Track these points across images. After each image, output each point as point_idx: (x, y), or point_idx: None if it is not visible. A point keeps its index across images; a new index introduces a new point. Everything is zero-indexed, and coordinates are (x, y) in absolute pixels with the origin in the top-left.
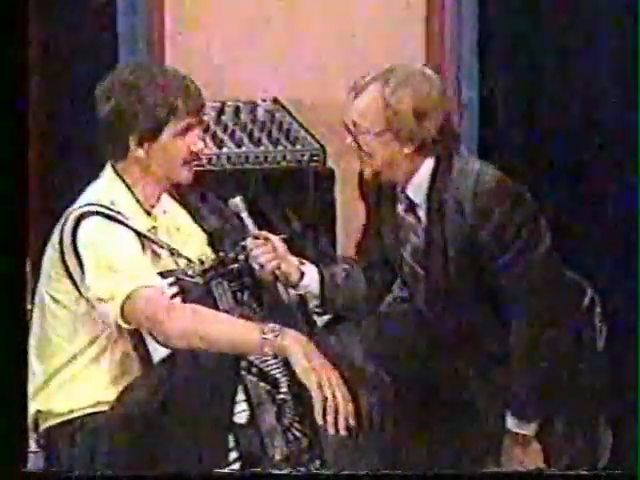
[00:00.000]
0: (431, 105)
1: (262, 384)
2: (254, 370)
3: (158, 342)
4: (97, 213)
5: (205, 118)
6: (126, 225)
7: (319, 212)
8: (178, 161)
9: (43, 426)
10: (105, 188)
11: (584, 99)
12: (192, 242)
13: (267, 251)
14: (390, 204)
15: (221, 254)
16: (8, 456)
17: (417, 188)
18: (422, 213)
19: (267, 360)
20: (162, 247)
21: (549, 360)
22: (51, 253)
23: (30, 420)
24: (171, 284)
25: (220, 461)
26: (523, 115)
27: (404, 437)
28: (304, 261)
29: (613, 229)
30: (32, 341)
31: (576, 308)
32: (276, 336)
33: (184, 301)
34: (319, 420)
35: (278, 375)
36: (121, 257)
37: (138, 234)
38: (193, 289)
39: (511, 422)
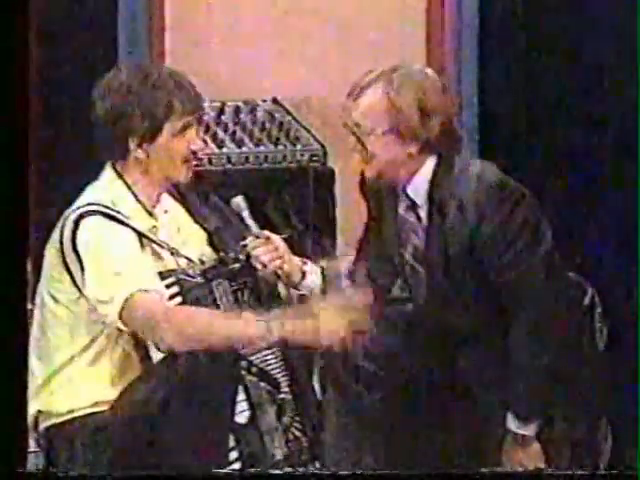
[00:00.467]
0: (435, 104)
1: (262, 384)
2: (254, 370)
3: (159, 350)
4: (97, 213)
5: (204, 117)
6: (126, 225)
7: (319, 212)
8: (178, 160)
9: (43, 426)
10: (105, 188)
11: (585, 99)
12: (193, 242)
13: (269, 251)
14: (391, 204)
15: (222, 254)
16: (8, 456)
17: (418, 188)
18: (423, 213)
19: (267, 360)
20: (162, 247)
21: (549, 360)
22: (51, 253)
23: (30, 420)
24: (171, 284)
25: (220, 461)
26: (523, 115)
27: (404, 437)
28: (306, 261)
29: (613, 229)
30: (32, 341)
31: (576, 308)
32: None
33: (184, 301)
34: None
35: (278, 375)
36: (121, 257)
37: (138, 234)
38: (193, 289)
39: (511, 422)
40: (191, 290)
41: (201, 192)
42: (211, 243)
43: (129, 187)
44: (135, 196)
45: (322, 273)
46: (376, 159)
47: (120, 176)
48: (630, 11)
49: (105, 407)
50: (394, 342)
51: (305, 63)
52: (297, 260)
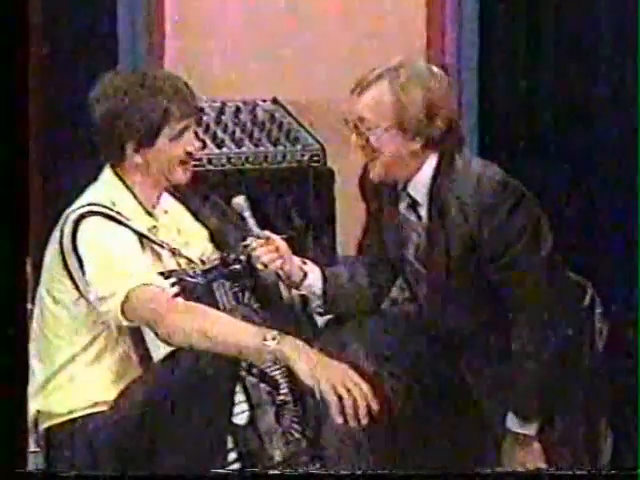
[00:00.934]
0: (440, 102)
1: (262, 385)
2: (254, 371)
3: (160, 339)
4: (97, 213)
5: (204, 117)
6: (126, 225)
7: (319, 212)
8: (175, 163)
9: (43, 426)
10: (105, 189)
11: (585, 98)
12: (193, 242)
13: (270, 251)
14: (391, 202)
15: (223, 254)
16: (8, 456)
17: (419, 186)
18: (423, 211)
19: None
20: (163, 247)
21: (550, 360)
22: (51, 253)
23: (30, 420)
24: (172, 284)
25: (219, 461)
26: (523, 114)
27: (405, 437)
28: (306, 261)
29: (613, 229)
30: (32, 341)
31: (576, 308)
32: (278, 343)
33: (186, 301)
34: (338, 420)
35: (278, 376)
36: (122, 257)
37: (139, 234)
38: (194, 289)
39: (512, 422)
40: (192, 290)
41: (201, 192)
42: (212, 243)
43: (128, 188)
44: (135, 197)
45: (323, 274)
46: (380, 154)
47: (119, 177)
48: (631, 10)
49: (105, 407)
50: (394, 342)
51: (305, 63)
52: (298, 260)
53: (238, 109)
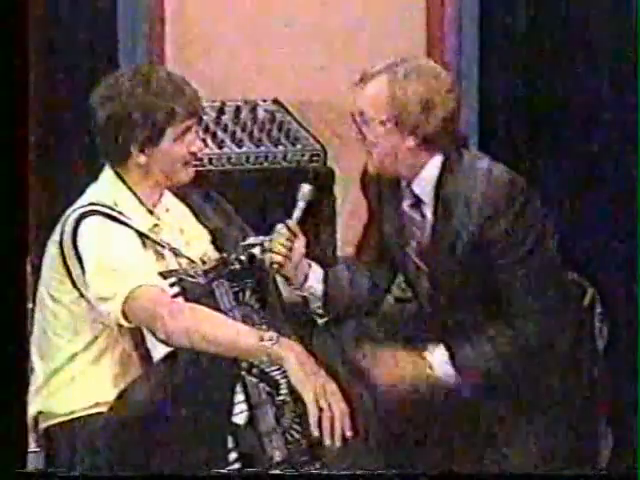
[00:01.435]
0: (437, 99)
1: (262, 385)
2: (254, 371)
3: (159, 340)
4: (98, 213)
5: (204, 117)
6: (128, 225)
7: (319, 212)
8: (178, 163)
9: (43, 426)
10: (106, 188)
11: (585, 96)
12: (194, 242)
13: (283, 244)
14: (393, 200)
15: (223, 254)
16: (8, 456)
17: (424, 184)
18: (428, 210)
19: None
20: (164, 247)
21: (550, 360)
22: (51, 253)
23: (30, 420)
24: (173, 284)
25: (219, 461)
26: (523, 114)
27: (404, 437)
28: (311, 263)
29: (613, 229)
30: (32, 341)
31: (576, 308)
32: (274, 344)
33: (186, 301)
34: (314, 431)
35: (278, 376)
36: (122, 257)
37: (140, 234)
38: (195, 289)
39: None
40: (192, 290)
41: (202, 192)
42: (213, 243)
43: (129, 187)
44: (136, 196)
45: (324, 276)
46: (375, 149)
47: (120, 177)
48: (631, 9)
49: (105, 408)
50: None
51: (305, 63)
52: (305, 263)
53: (238, 109)
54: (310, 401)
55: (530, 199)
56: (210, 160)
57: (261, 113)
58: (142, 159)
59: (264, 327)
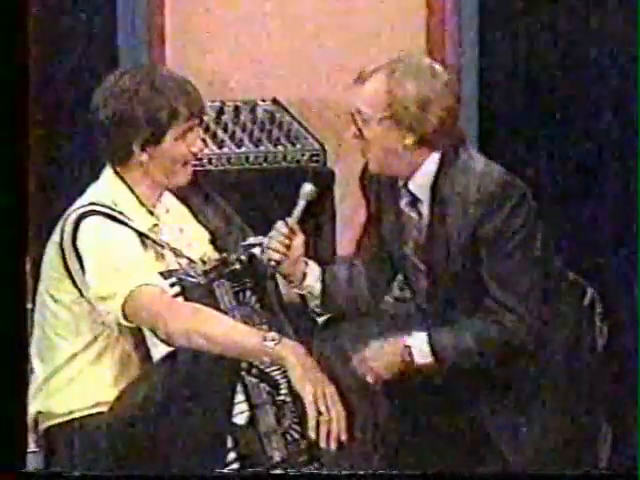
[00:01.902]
0: (435, 97)
1: (262, 385)
2: (254, 371)
3: (159, 339)
4: (98, 213)
5: (205, 118)
6: (128, 225)
7: (319, 212)
8: (179, 163)
9: (43, 426)
10: (106, 188)
11: (585, 96)
12: (194, 242)
13: (282, 242)
14: (391, 199)
15: (223, 254)
16: (8, 456)
17: (420, 183)
18: (424, 208)
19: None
20: (164, 247)
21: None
22: (51, 253)
23: (30, 420)
24: (173, 284)
25: (219, 461)
26: (523, 113)
27: (404, 437)
28: (308, 261)
29: (613, 229)
30: (32, 341)
31: (576, 308)
32: (276, 345)
33: (186, 301)
34: (311, 434)
35: (278, 377)
36: (122, 256)
37: (140, 234)
38: (195, 289)
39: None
40: (192, 291)
41: (201, 192)
42: (213, 243)
43: (129, 187)
44: (136, 196)
45: (322, 274)
46: (373, 147)
47: (120, 177)
48: (631, 9)
49: (105, 408)
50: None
51: (305, 63)
52: (303, 261)
53: (238, 109)
54: (309, 403)
55: (523, 199)
56: (210, 160)
57: (261, 113)
58: (144, 157)
59: (264, 327)
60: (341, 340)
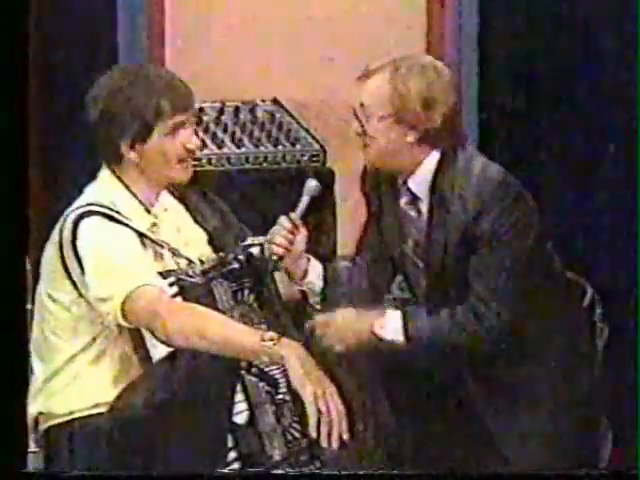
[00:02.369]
0: (438, 96)
1: (262, 384)
2: (254, 370)
3: (159, 340)
4: (97, 213)
5: (200, 116)
6: (126, 225)
7: (319, 212)
8: (172, 160)
9: (43, 427)
10: (104, 188)
11: (585, 96)
12: (192, 242)
13: (286, 237)
14: (391, 198)
15: (221, 254)
16: (8, 456)
17: (420, 181)
18: (423, 207)
19: None
20: (162, 247)
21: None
22: (50, 253)
23: (30, 420)
24: (171, 284)
25: (219, 461)
26: (523, 113)
27: (404, 437)
28: (310, 257)
29: (613, 229)
30: (32, 342)
31: (576, 308)
32: (275, 344)
33: (184, 301)
34: (312, 433)
35: (278, 375)
36: (121, 257)
37: (139, 234)
38: (193, 289)
39: None
40: (190, 290)
41: (201, 192)
42: (211, 243)
43: (127, 187)
44: (133, 195)
45: (323, 271)
46: (375, 143)
47: (117, 176)
48: (632, 7)
49: (105, 408)
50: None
51: (305, 63)
52: (304, 258)
53: (238, 109)
54: (309, 402)
55: (517, 199)
56: (210, 160)
57: (261, 113)
58: (132, 156)
59: (263, 326)
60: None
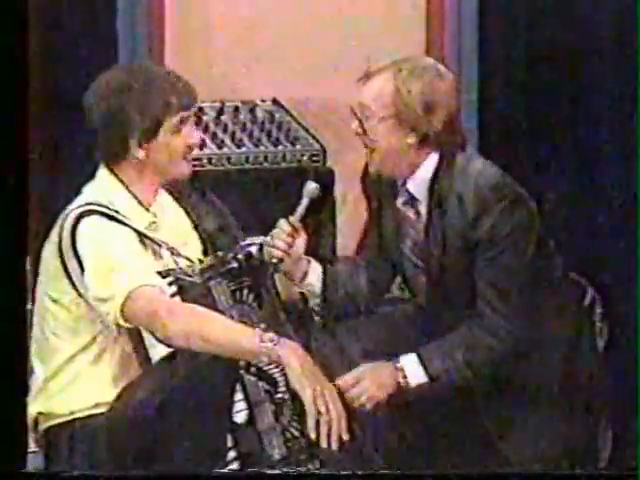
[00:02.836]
0: (439, 99)
1: (261, 383)
2: (253, 369)
3: (158, 340)
4: (96, 212)
5: (200, 116)
6: (126, 224)
7: (319, 213)
8: (177, 157)
9: (43, 427)
10: (102, 187)
11: (586, 97)
12: (191, 241)
13: (285, 240)
14: (391, 199)
15: (220, 253)
16: (8, 456)
17: (419, 183)
18: (422, 208)
19: None
20: (161, 246)
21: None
22: (49, 253)
23: (30, 420)
24: (170, 283)
25: (218, 461)
26: (523, 114)
27: (404, 437)
28: (310, 259)
29: (613, 229)
30: (32, 342)
31: (576, 308)
32: (274, 345)
33: (183, 300)
34: (311, 433)
35: (277, 374)
36: (121, 256)
37: (138, 233)
38: (192, 288)
39: None
40: (189, 290)
41: (200, 192)
42: (210, 242)
43: (125, 185)
44: (132, 194)
45: (323, 273)
46: (377, 145)
47: (116, 175)
48: (631, 8)
49: (105, 408)
50: (392, 341)
51: (305, 63)
52: (304, 259)
53: (237, 109)
54: (309, 403)
55: (516, 202)
56: (209, 160)
57: (260, 113)
58: (141, 154)
59: (262, 326)
60: (339, 340)
